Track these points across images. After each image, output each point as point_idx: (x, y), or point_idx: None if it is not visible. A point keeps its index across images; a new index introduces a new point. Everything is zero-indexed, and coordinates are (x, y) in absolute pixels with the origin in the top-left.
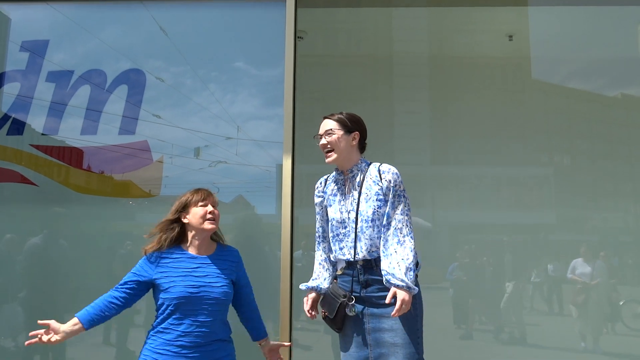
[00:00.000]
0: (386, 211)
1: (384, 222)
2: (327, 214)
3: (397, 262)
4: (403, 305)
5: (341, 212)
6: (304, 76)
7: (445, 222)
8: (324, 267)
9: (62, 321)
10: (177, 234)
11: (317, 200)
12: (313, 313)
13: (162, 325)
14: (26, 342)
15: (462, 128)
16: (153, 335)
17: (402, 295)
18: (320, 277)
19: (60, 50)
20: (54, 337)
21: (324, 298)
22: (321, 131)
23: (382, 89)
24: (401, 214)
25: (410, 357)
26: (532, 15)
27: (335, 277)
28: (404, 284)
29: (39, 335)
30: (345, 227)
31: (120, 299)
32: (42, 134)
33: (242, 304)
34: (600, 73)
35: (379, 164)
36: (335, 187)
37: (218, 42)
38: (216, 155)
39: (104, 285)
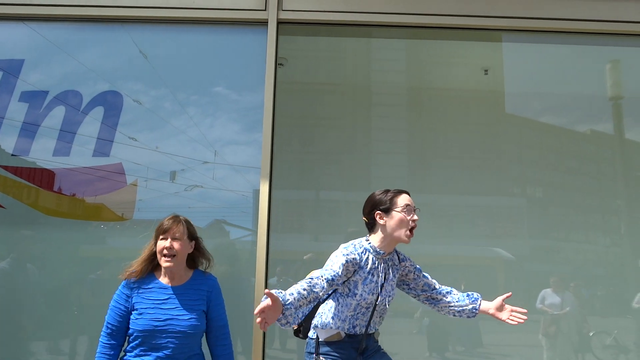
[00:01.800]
0: (422, 281)
1: (431, 289)
2: (351, 287)
3: (457, 298)
4: None
5: (372, 294)
6: (284, 103)
7: (421, 251)
8: (304, 299)
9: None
10: (154, 263)
11: (349, 267)
12: (260, 319)
13: (131, 354)
14: None
15: (438, 158)
16: None
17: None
18: (294, 292)
19: (35, 70)
20: None
21: None
22: (413, 204)
23: (361, 118)
24: (421, 271)
25: None
26: (506, 52)
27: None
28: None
29: None
30: (369, 308)
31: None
32: (12, 155)
33: (210, 337)
34: (570, 109)
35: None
36: (372, 267)
37: (199, 66)
38: (192, 180)
39: (71, 312)
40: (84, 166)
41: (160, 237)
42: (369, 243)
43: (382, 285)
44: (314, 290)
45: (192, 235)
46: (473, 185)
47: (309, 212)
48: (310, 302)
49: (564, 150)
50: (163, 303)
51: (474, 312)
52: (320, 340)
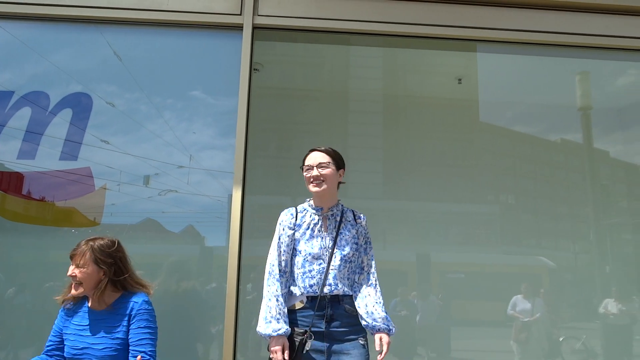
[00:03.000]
0: (360, 257)
1: (356, 267)
2: (295, 244)
3: (373, 305)
4: (388, 348)
5: (319, 248)
6: (259, 108)
7: (394, 257)
8: (283, 305)
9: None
10: None
11: (286, 231)
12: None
13: None
14: None
15: (414, 164)
16: None
17: (386, 339)
18: (284, 318)
19: (3, 70)
20: None
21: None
22: (312, 162)
23: (337, 124)
24: (372, 259)
25: None
26: (480, 61)
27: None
28: (386, 327)
29: None
30: (320, 264)
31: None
32: None
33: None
34: (542, 118)
35: (350, 209)
36: (312, 222)
37: (174, 69)
38: (167, 184)
39: (38, 320)
40: (51, 169)
41: (71, 262)
42: (309, 202)
43: (333, 240)
44: (282, 285)
45: (103, 262)
46: (447, 192)
47: None
48: (289, 293)
49: (535, 159)
50: (83, 329)
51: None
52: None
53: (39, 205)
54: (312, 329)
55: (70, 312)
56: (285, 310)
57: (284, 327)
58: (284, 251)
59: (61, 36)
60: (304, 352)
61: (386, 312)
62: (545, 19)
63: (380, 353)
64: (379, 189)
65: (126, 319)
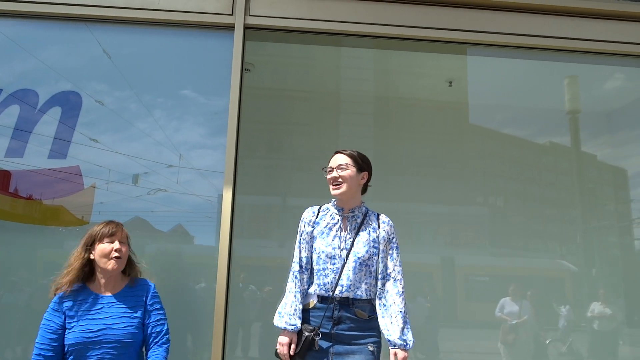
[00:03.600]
0: (384, 261)
1: (382, 272)
2: (313, 242)
3: (396, 316)
4: None
5: (333, 248)
6: (250, 108)
7: None
8: (299, 301)
9: None
10: (85, 272)
11: (306, 228)
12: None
13: None
14: None
15: (404, 166)
16: None
17: (401, 355)
18: (297, 314)
19: None
20: None
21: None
22: (333, 164)
23: (328, 125)
24: (399, 265)
25: None
26: (471, 64)
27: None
28: (402, 343)
29: None
30: (334, 264)
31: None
32: None
33: (147, 344)
34: (531, 121)
35: (377, 213)
36: (332, 222)
37: (165, 68)
38: (156, 183)
39: (24, 319)
40: (39, 167)
41: (106, 239)
42: (333, 202)
43: (351, 241)
44: (301, 282)
45: (128, 242)
46: (436, 194)
47: (275, 218)
48: (304, 292)
49: (524, 161)
50: (97, 313)
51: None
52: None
53: (27, 204)
54: (320, 329)
55: (71, 304)
56: (300, 306)
57: (293, 323)
58: (304, 248)
59: (50, 34)
60: (313, 349)
61: (406, 322)
62: (535, 23)
63: None
64: (368, 190)
65: (142, 300)
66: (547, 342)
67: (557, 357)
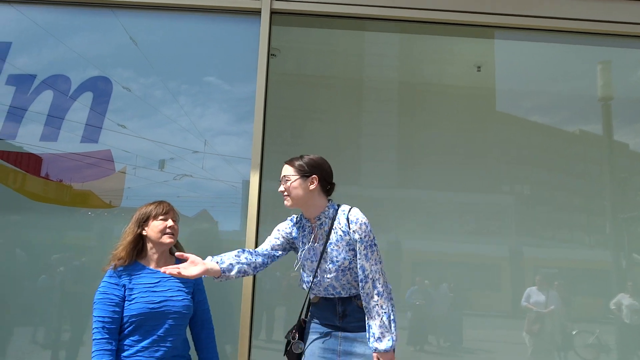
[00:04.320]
0: (361, 263)
1: (360, 275)
2: (294, 250)
3: (375, 320)
4: None
5: (311, 261)
6: (275, 93)
7: (408, 246)
8: (236, 259)
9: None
10: (138, 249)
11: (284, 230)
12: (174, 272)
13: (123, 342)
14: None
15: (428, 154)
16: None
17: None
18: (222, 259)
19: (23, 54)
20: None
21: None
22: (280, 177)
23: (351, 111)
24: (376, 264)
25: None
26: (498, 49)
27: (308, 305)
28: (387, 349)
29: None
30: (316, 275)
31: (116, 340)
32: None
33: (196, 322)
34: (560, 108)
35: (347, 209)
36: (303, 234)
37: (190, 54)
38: (182, 169)
39: (55, 298)
40: (72, 152)
41: (160, 217)
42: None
43: (322, 250)
44: (251, 254)
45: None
46: (461, 182)
47: None
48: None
49: (552, 150)
50: (155, 286)
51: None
52: (310, 300)
53: (58, 187)
54: (328, 322)
55: (128, 277)
56: (230, 257)
57: (216, 263)
58: (272, 239)
59: (77, 21)
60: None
61: (388, 324)
62: (567, 5)
63: None
64: (392, 177)
65: (190, 278)
66: (574, 332)
67: (584, 348)
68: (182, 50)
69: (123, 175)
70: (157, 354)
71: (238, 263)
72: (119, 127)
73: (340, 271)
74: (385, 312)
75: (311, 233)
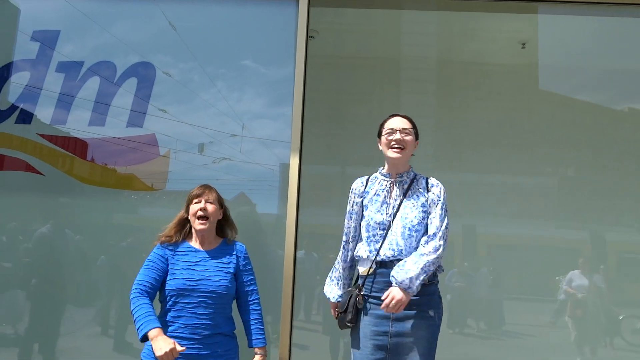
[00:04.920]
0: (432, 221)
1: (430, 232)
2: (363, 210)
3: (416, 261)
4: (392, 302)
5: (381, 214)
6: (312, 76)
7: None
8: (343, 274)
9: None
10: (187, 228)
11: (356, 199)
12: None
13: (165, 318)
14: None
15: (468, 135)
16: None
17: (398, 294)
18: (339, 283)
19: (69, 42)
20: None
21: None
22: (396, 127)
23: (389, 93)
24: (444, 228)
25: None
26: (542, 24)
27: (356, 278)
28: (407, 286)
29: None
30: (383, 229)
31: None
32: (50, 125)
33: (239, 302)
34: (608, 86)
35: (425, 177)
36: (380, 189)
37: (227, 39)
38: (220, 152)
39: (104, 277)
40: (118, 137)
41: (194, 201)
42: (380, 169)
43: (398, 205)
44: (350, 250)
45: (221, 203)
46: (502, 164)
47: (335, 188)
48: (358, 258)
49: (598, 129)
50: (195, 264)
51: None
52: (360, 274)
53: (104, 170)
54: (378, 294)
55: (173, 253)
56: (342, 280)
57: (333, 295)
58: (354, 219)
59: (120, 7)
60: (361, 311)
61: (422, 272)
62: None
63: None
64: (430, 160)
65: (234, 259)
66: (621, 317)
67: (631, 334)
68: (220, 35)
69: (166, 159)
70: (198, 331)
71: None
72: (160, 111)
73: (407, 229)
74: (425, 272)
75: (389, 188)
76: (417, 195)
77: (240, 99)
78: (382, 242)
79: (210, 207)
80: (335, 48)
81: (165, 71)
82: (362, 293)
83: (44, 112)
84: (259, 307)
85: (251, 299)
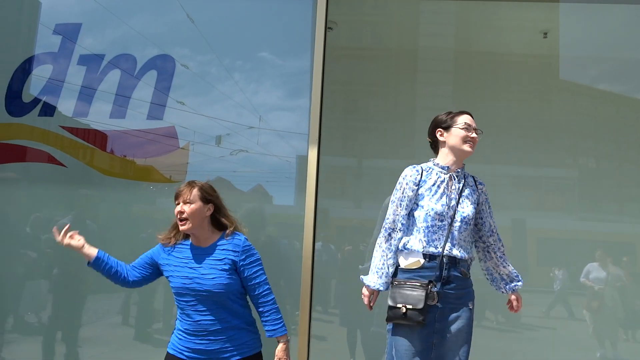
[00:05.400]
0: (488, 220)
1: (487, 231)
2: (418, 200)
3: (511, 266)
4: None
5: (442, 205)
6: (329, 67)
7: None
8: (392, 263)
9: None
10: None
11: (411, 187)
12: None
13: (178, 312)
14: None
15: (486, 126)
16: (177, 321)
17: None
18: (386, 273)
19: (90, 35)
20: (73, 241)
21: (396, 292)
22: (473, 124)
23: (406, 84)
24: (495, 223)
25: (467, 357)
26: (563, 13)
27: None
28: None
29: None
30: (442, 221)
31: (131, 269)
32: (71, 117)
33: (252, 297)
34: (630, 75)
35: (471, 174)
36: (438, 180)
37: (244, 31)
38: (237, 144)
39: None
40: (138, 129)
41: (175, 202)
42: (433, 161)
43: (457, 200)
44: (396, 240)
45: (206, 199)
46: (522, 155)
47: (352, 179)
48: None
49: (620, 120)
50: (189, 262)
51: (504, 290)
52: (400, 267)
53: (123, 162)
54: (450, 292)
55: (171, 249)
56: (390, 266)
57: (380, 284)
58: (404, 206)
59: (138, 0)
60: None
61: (513, 269)
62: None
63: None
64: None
65: (231, 255)
66: None
67: None
68: (237, 26)
69: (185, 151)
70: (204, 326)
71: None
72: (178, 104)
73: (464, 223)
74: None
75: (448, 181)
76: (471, 192)
77: (257, 91)
78: (442, 235)
79: (188, 208)
80: (352, 39)
81: (184, 63)
82: (435, 290)
83: (66, 105)
84: (271, 297)
85: (260, 291)
